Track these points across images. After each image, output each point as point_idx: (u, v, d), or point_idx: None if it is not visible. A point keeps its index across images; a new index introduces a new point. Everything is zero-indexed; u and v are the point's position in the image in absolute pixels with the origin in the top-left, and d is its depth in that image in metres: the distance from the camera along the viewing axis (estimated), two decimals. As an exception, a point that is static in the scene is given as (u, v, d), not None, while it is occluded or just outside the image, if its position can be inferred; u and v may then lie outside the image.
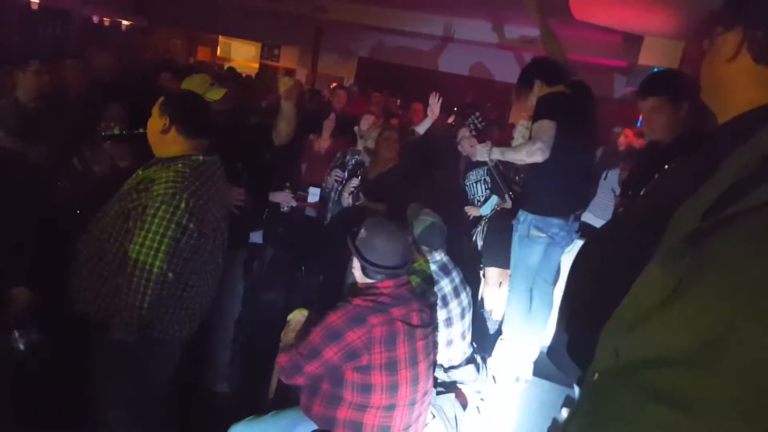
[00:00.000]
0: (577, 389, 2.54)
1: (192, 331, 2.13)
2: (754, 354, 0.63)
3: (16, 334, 1.97)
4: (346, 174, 4.01)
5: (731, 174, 0.77)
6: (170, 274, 1.89)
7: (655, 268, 0.80)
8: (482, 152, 3.29)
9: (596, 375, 0.85)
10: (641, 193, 1.50)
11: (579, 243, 3.40)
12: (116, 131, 2.47)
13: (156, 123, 2.03)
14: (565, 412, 3.18)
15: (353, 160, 4.08)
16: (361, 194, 3.65)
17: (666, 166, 1.49)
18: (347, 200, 3.73)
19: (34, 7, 8.47)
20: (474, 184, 4.26)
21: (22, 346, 1.97)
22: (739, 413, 0.64)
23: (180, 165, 1.96)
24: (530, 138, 3.08)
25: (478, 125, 3.46)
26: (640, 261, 0.86)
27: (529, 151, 3.00)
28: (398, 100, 7.49)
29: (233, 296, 2.89)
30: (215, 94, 2.65)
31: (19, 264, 1.99)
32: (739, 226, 0.68)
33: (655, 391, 0.72)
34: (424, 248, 2.65)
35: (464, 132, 4.27)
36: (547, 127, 2.97)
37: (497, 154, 3.23)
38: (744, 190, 0.70)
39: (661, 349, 0.73)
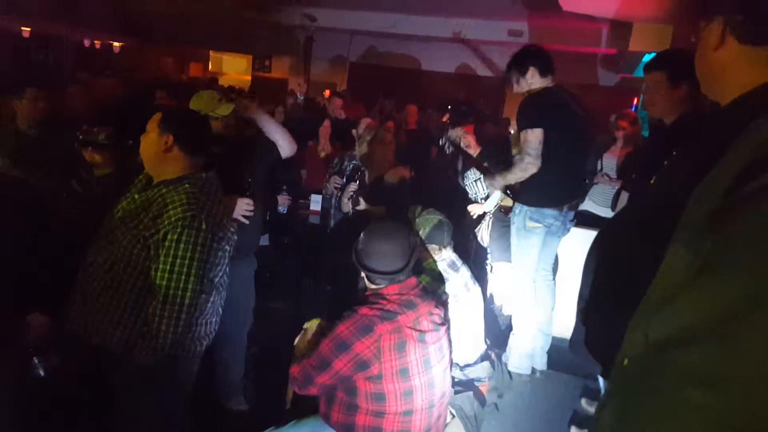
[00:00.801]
0: (601, 381, 2.54)
1: (208, 343, 2.13)
2: None
3: (36, 360, 1.98)
4: (344, 180, 4.01)
5: (748, 152, 0.78)
6: (203, 295, 1.91)
7: (679, 248, 0.81)
8: (490, 185, 3.56)
9: (626, 360, 0.85)
10: (652, 181, 1.51)
11: (576, 231, 3.44)
12: (100, 138, 2.44)
13: (155, 142, 1.96)
14: (584, 403, 3.18)
15: (351, 165, 4.08)
16: (360, 198, 3.65)
17: (674, 152, 1.50)
18: (347, 206, 3.73)
19: (26, 35, 8.50)
20: (474, 183, 4.27)
21: (42, 372, 1.97)
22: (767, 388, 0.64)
23: (187, 185, 1.93)
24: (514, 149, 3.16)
25: (457, 142, 3.54)
26: (658, 248, 0.87)
27: (521, 168, 3.11)
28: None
29: (246, 309, 2.89)
30: (224, 110, 2.64)
31: (33, 290, 1.99)
32: (760, 201, 0.68)
33: (685, 370, 0.73)
34: (434, 246, 2.65)
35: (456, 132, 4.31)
36: (531, 138, 3.06)
37: (501, 181, 3.34)
38: (762, 168, 0.71)
39: (687, 327, 0.73)
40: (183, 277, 1.85)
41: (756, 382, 0.65)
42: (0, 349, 1.97)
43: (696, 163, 0.97)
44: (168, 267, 1.84)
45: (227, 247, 2.05)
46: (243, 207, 2.55)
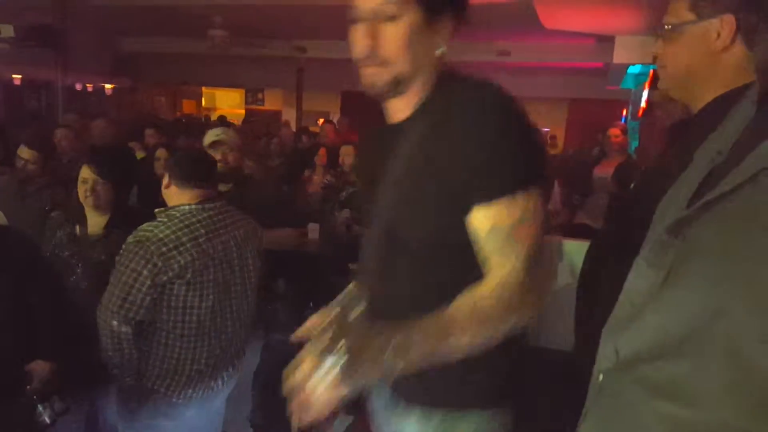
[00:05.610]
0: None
1: (213, 389, 2.08)
2: (741, 339, 0.62)
3: (41, 408, 1.94)
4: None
5: (706, 163, 0.77)
6: (115, 323, 1.84)
7: (642, 262, 0.79)
8: None
9: (600, 376, 0.84)
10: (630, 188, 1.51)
11: (575, 244, 3.38)
12: None
13: (164, 182, 2.09)
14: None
15: (344, 193, 4.11)
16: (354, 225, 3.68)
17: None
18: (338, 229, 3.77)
19: (17, 82, 8.62)
20: None
21: (48, 420, 1.94)
22: (734, 398, 0.64)
23: (163, 216, 1.96)
24: None
25: None
26: (633, 258, 0.86)
27: None
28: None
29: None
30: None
31: (34, 337, 1.97)
32: (716, 212, 0.68)
33: (654, 384, 0.72)
34: None
35: None
36: None
37: None
38: (720, 177, 0.70)
39: (654, 342, 0.73)
40: (104, 301, 1.85)
41: (721, 393, 0.65)
42: (4, 399, 1.94)
43: (666, 172, 0.93)
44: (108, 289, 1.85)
45: (207, 283, 1.96)
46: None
